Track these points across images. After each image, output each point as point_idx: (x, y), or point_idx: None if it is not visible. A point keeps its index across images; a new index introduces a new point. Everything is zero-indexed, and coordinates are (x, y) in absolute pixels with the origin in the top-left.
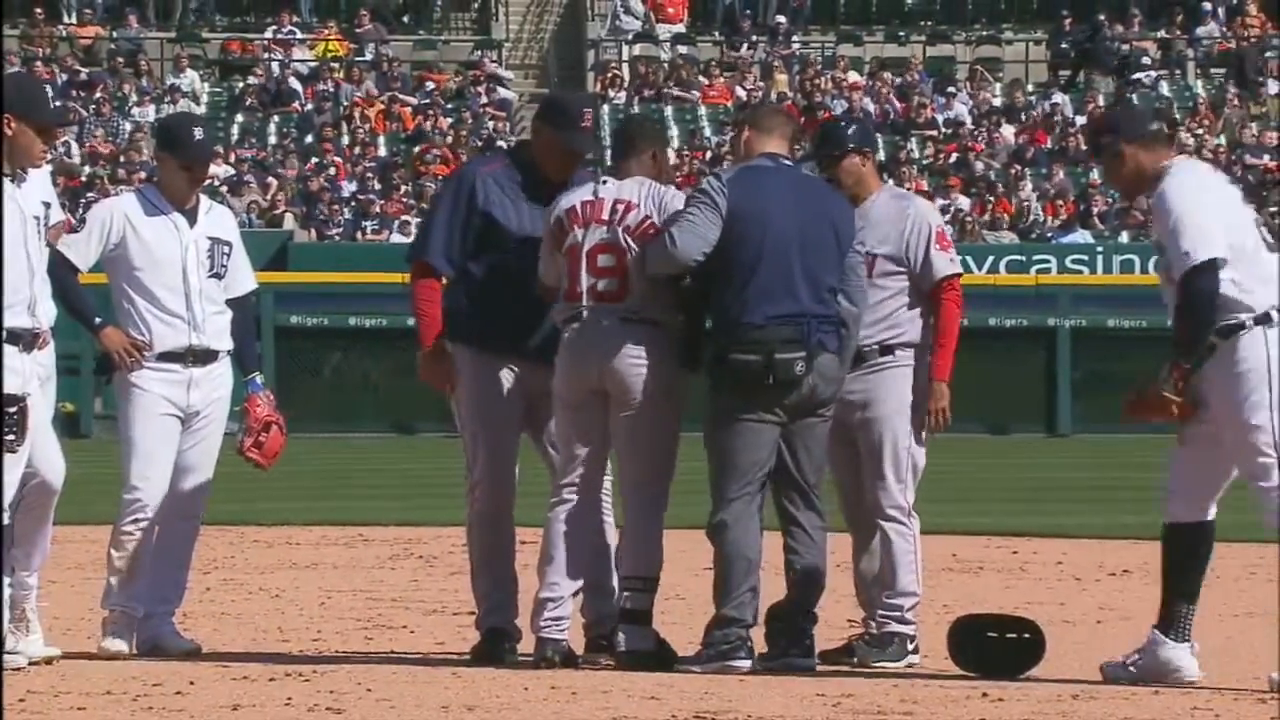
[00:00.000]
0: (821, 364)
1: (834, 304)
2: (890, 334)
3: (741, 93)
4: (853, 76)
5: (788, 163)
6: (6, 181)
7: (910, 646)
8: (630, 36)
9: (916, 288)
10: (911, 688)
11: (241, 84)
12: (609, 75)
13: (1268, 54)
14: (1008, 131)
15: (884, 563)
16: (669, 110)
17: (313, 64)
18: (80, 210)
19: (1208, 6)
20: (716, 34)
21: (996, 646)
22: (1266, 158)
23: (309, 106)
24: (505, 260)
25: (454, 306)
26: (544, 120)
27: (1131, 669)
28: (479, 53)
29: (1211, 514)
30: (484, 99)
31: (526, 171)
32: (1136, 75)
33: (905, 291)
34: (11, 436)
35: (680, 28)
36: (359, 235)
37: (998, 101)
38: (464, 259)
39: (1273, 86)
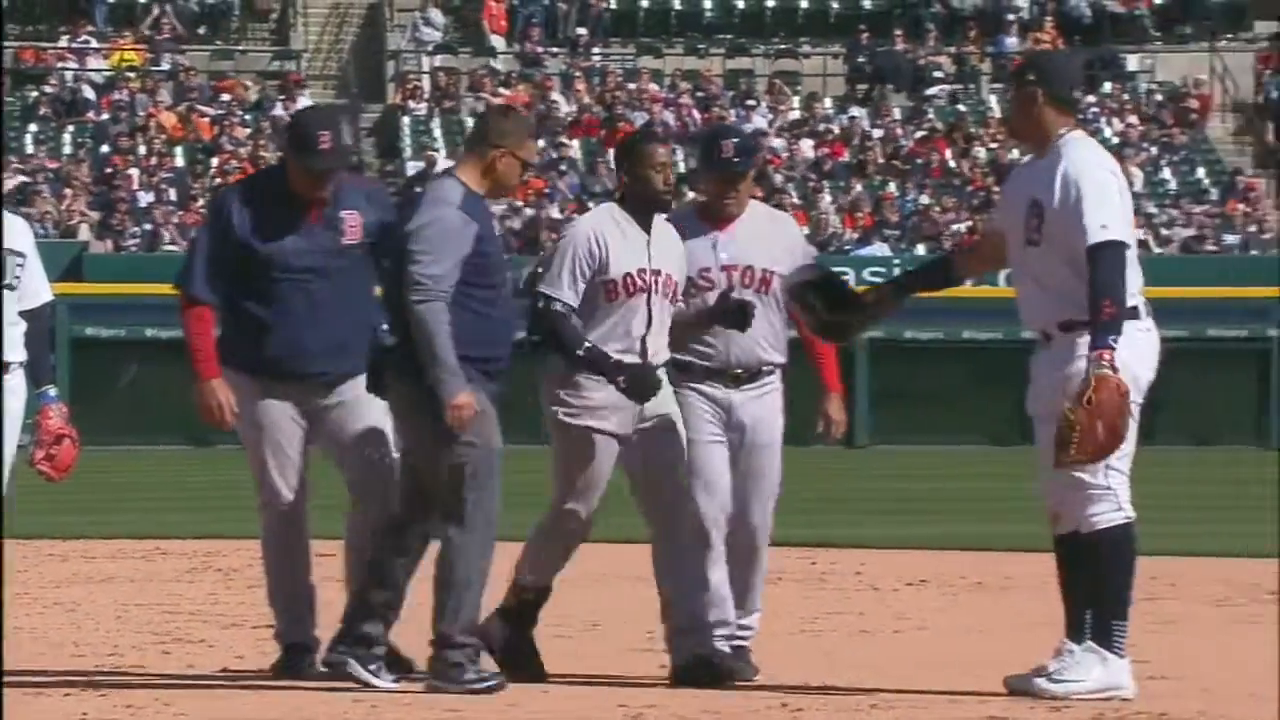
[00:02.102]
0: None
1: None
2: (777, 355)
3: (543, 107)
4: (653, 88)
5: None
6: None
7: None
8: (430, 48)
9: (786, 307)
10: (712, 699)
11: (35, 93)
12: (409, 86)
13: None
14: (806, 145)
15: (747, 582)
16: (469, 121)
17: (108, 74)
18: None
19: (1010, 17)
20: (518, 45)
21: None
22: None
23: (105, 116)
24: (268, 284)
25: (225, 333)
26: (286, 144)
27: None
28: (278, 63)
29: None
30: (282, 109)
31: (283, 189)
32: (930, 90)
33: (782, 309)
34: None
35: (501, 40)
36: (156, 246)
37: (796, 115)
38: (227, 285)
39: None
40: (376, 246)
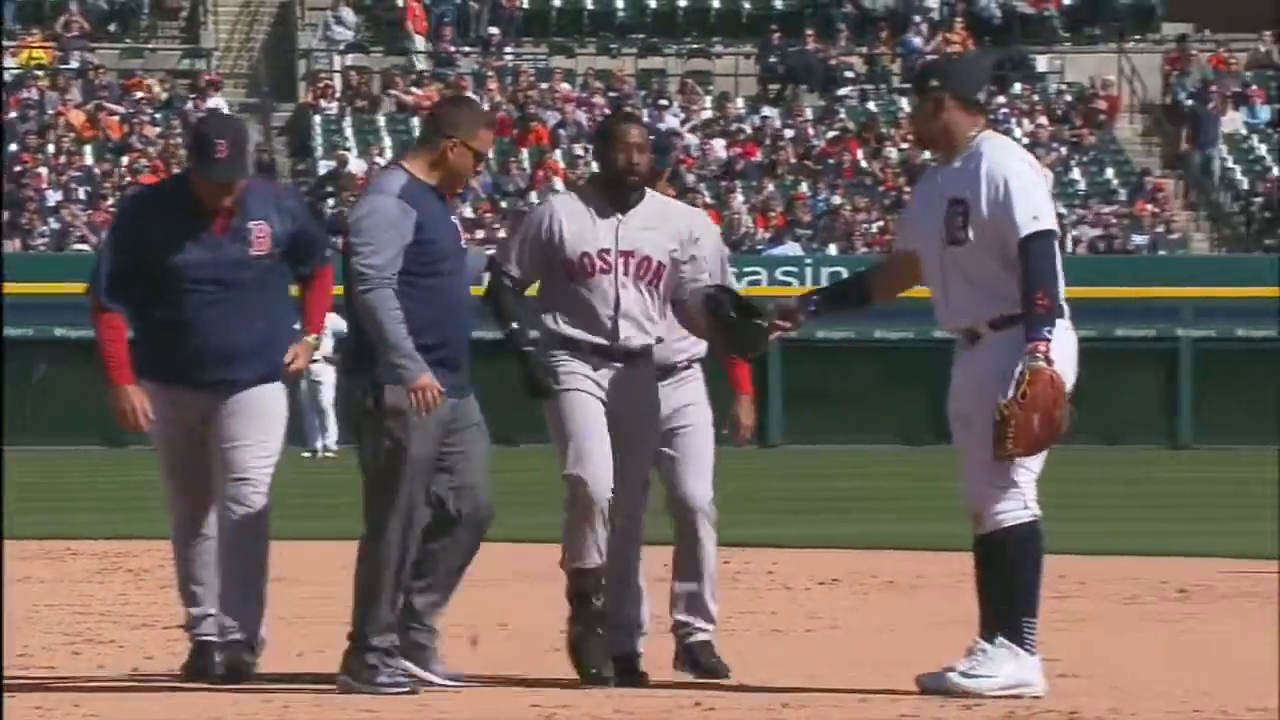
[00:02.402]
0: None
1: None
2: (696, 349)
3: None
4: (565, 88)
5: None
6: None
7: None
8: (342, 46)
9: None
10: (625, 699)
11: None
12: (321, 85)
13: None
14: (718, 144)
15: (705, 567)
16: (382, 120)
17: (16, 71)
18: None
19: (918, 17)
20: (431, 44)
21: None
22: None
23: (13, 114)
24: (173, 295)
25: (134, 340)
26: (188, 152)
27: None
28: (188, 61)
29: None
30: (193, 108)
31: (187, 198)
32: (842, 90)
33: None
34: None
35: (420, 39)
36: (65, 245)
37: (708, 114)
38: (133, 293)
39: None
40: (290, 254)
